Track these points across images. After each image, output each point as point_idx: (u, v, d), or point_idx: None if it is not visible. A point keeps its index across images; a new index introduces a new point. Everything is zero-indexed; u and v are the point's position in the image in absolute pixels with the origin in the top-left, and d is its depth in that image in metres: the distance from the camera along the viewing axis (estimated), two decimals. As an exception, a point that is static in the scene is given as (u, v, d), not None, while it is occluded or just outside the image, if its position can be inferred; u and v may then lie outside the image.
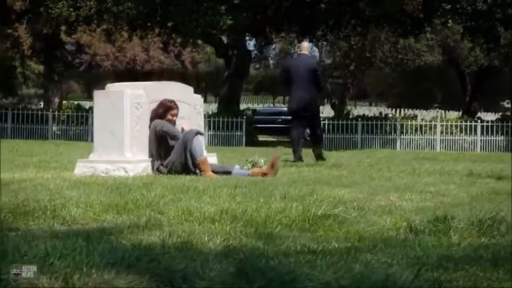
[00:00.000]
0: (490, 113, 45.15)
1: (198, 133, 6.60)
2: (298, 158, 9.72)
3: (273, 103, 59.17)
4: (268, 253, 2.72)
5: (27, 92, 46.58)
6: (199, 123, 7.35)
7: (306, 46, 10.74)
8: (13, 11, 22.78)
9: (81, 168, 6.41)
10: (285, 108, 34.60)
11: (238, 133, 19.48)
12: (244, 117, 20.16)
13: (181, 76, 49.58)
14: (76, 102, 26.83)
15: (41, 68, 31.08)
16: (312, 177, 6.39)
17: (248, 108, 33.09)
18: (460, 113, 33.29)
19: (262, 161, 6.72)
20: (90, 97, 56.65)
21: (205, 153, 6.77)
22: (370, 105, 58.44)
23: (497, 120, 21.23)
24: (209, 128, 19.21)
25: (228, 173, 6.49)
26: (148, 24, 19.45)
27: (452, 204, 4.69)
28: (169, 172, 6.37)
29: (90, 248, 2.46)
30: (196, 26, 18.03)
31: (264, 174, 6.31)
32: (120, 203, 3.97)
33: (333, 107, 37.19)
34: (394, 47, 31.47)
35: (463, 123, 19.96)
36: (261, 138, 25.91)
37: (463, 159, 12.90)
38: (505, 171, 7.93)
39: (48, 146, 13.81)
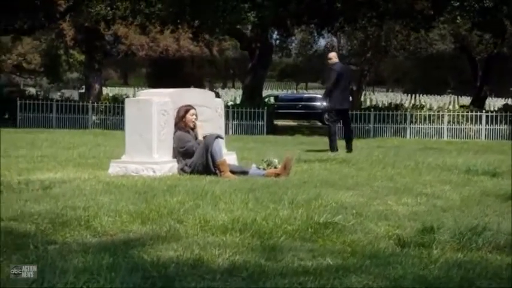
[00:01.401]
0: (500, 99, 44.47)
1: (218, 137, 6.77)
2: (336, 150, 10.59)
3: (296, 89, 59.09)
4: (268, 271, 2.92)
5: (71, 76, 47.29)
6: (220, 126, 7.51)
7: (335, 55, 11.48)
8: (58, 6, 23.10)
9: (115, 168, 6.65)
10: (306, 95, 34.79)
11: (260, 123, 19.63)
12: (266, 107, 20.30)
13: (210, 63, 49.77)
14: (111, 94, 27.26)
15: (83, 57, 31.63)
16: (321, 177, 6.50)
17: (270, 95, 33.26)
18: (471, 98, 32.80)
19: (276, 160, 6.85)
20: (126, 83, 57.30)
21: (224, 151, 6.96)
22: (387, 91, 57.93)
23: (500, 110, 21.00)
24: (233, 118, 19.38)
25: (245, 172, 6.62)
26: (178, 21, 19.65)
27: (443, 208, 4.82)
28: (192, 172, 6.55)
29: (113, 273, 2.68)
30: (222, 23, 18.20)
31: (278, 175, 6.46)
32: (145, 212, 4.19)
33: (351, 93, 36.96)
34: (407, 39, 31.16)
35: (469, 113, 19.78)
36: (283, 122, 26.05)
37: (466, 149, 12.88)
38: (503, 165, 7.97)
39: (87, 137, 14.15)
